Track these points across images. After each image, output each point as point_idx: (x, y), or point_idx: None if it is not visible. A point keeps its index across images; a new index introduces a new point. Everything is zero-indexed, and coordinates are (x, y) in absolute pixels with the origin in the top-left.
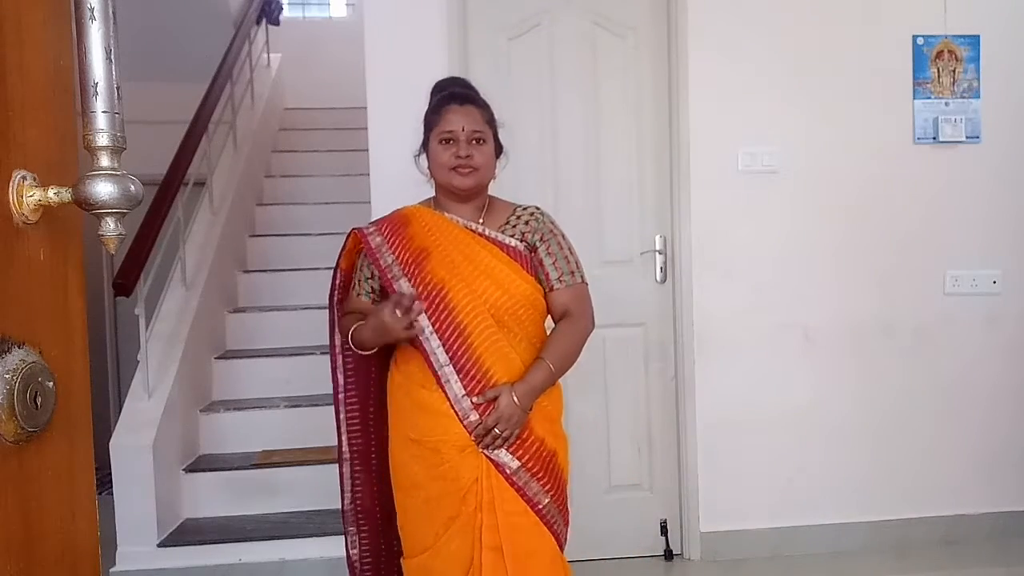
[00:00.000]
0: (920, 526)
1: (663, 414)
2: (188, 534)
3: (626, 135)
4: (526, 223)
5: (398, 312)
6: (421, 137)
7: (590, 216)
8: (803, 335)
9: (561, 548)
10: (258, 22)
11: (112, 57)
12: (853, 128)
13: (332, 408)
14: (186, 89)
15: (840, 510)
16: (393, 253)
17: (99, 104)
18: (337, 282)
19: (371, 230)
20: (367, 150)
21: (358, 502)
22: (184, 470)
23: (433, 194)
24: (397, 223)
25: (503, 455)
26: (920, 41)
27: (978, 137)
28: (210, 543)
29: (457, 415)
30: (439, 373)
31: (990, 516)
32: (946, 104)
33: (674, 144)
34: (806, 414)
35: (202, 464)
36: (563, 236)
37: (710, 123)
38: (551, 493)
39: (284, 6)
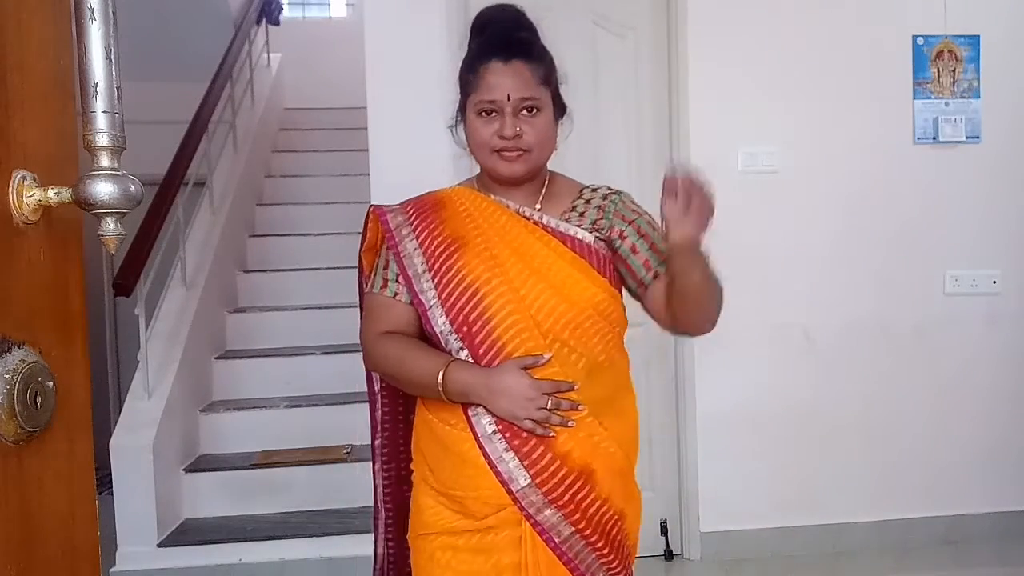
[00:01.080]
0: (920, 526)
1: (663, 414)
2: (188, 534)
3: (626, 135)
4: (598, 208)
5: (542, 399)
6: (424, 134)
7: None
8: (803, 335)
9: None
10: (258, 22)
11: (112, 57)
12: (853, 128)
13: (332, 408)
14: (186, 89)
15: (840, 510)
16: (416, 239)
17: (99, 104)
18: (365, 287)
19: (393, 207)
20: (367, 150)
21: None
22: (184, 470)
23: (476, 173)
24: (427, 205)
25: (550, 515)
26: (920, 41)
27: (978, 137)
28: (210, 543)
29: (490, 463)
30: (467, 406)
31: (990, 516)
32: (946, 104)
33: (674, 144)
34: (806, 414)
35: (202, 464)
36: (651, 217)
37: (710, 123)
38: (611, 566)
39: (284, 6)
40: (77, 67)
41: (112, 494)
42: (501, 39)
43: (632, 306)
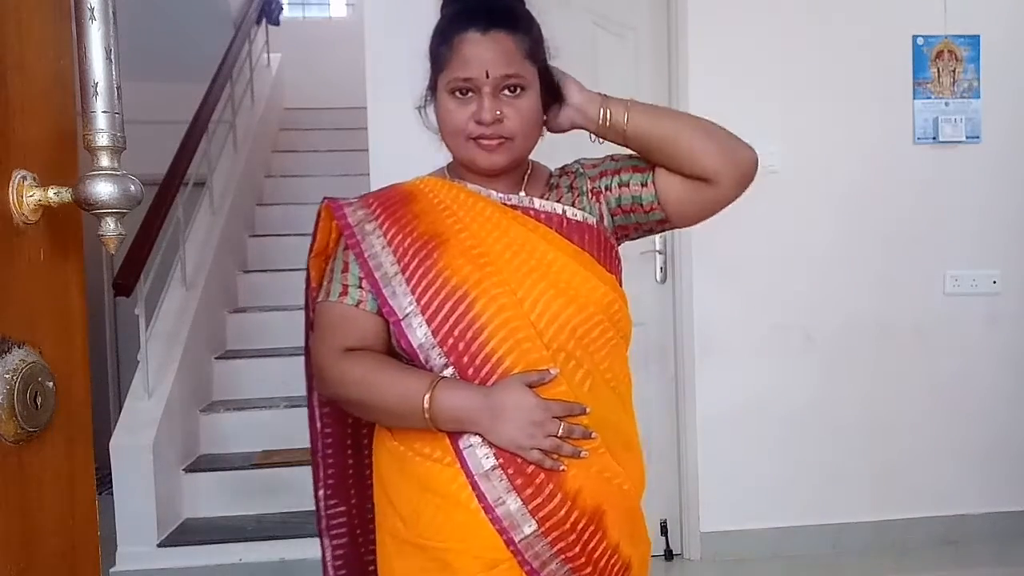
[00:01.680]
0: (920, 526)
1: (663, 414)
2: (188, 534)
3: None
4: (569, 188)
5: (553, 422)
6: (424, 135)
7: None
8: (803, 335)
9: None
10: (258, 22)
11: (112, 57)
12: (853, 128)
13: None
14: (186, 89)
15: (840, 510)
16: (384, 236)
17: (99, 104)
18: (312, 296)
19: (351, 201)
20: (367, 150)
21: None
22: (184, 470)
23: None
24: (393, 198)
25: (558, 571)
26: (920, 41)
27: (978, 137)
28: (210, 543)
29: (487, 507)
30: (456, 436)
31: (990, 516)
32: (946, 104)
33: None
34: (806, 414)
35: (202, 464)
36: (614, 156)
37: None
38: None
39: (284, 6)
40: (77, 67)
41: (112, 494)
42: (479, 5)
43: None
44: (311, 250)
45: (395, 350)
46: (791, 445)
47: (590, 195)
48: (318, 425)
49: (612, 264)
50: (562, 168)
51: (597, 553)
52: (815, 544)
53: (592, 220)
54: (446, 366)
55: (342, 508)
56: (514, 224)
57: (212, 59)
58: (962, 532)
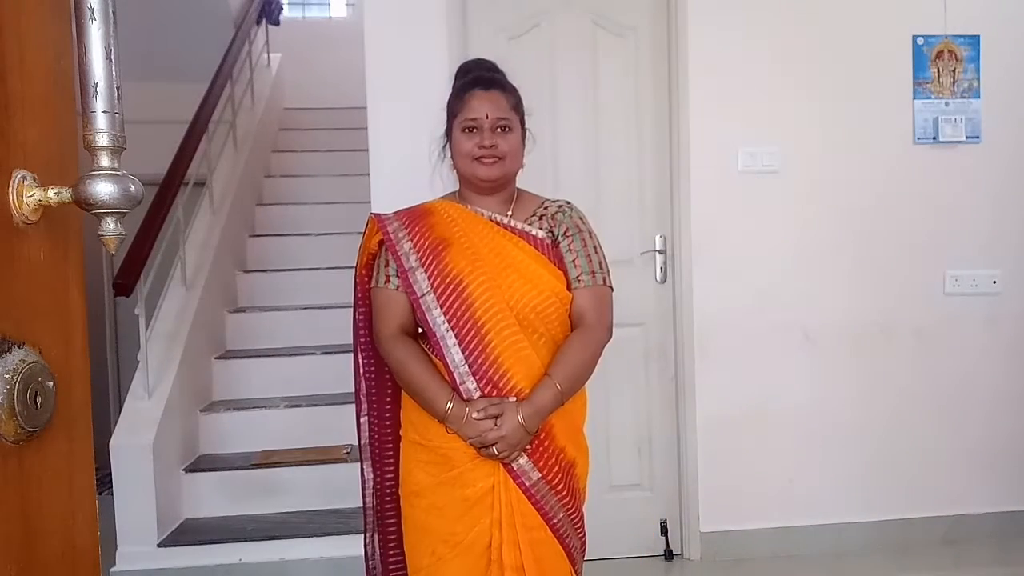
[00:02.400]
0: (920, 526)
1: (663, 414)
2: (188, 534)
3: (626, 135)
4: (553, 216)
5: (488, 420)
6: (424, 135)
7: (590, 216)
8: (803, 335)
9: (575, 569)
10: (258, 22)
11: (112, 57)
12: (853, 128)
13: (332, 408)
14: (186, 89)
15: (840, 510)
16: (411, 240)
17: (99, 104)
18: (359, 295)
19: (389, 216)
20: (367, 150)
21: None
22: (184, 470)
23: (455, 190)
24: (417, 213)
25: (524, 463)
26: (920, 41)
27: (978, 137)
28: (210, 543)
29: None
30: (454, 374)
31: (991, 516)
32: (946, 104)
33: (674, 144)
34: (806, 414)
35: (202, 464)
36: (590, 234)
37: (710, 123)
38: (567, 507)
39: (284, 6)
40: (77, 67)
41: (112, 494)
42: (482, 76)
43: (632, 307)
44: (361, 249)
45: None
46: (791, 445)
47: (561, 230)
48: (361, 371)
49: (561, 266)
50: (557, 204)
51: (548, 452)
52: (815, 544)
53: (549, 240)
54: (448, 330)
55: (375, 434)
56: (497, 235)
57: (212, 59)
58: (962, 532)
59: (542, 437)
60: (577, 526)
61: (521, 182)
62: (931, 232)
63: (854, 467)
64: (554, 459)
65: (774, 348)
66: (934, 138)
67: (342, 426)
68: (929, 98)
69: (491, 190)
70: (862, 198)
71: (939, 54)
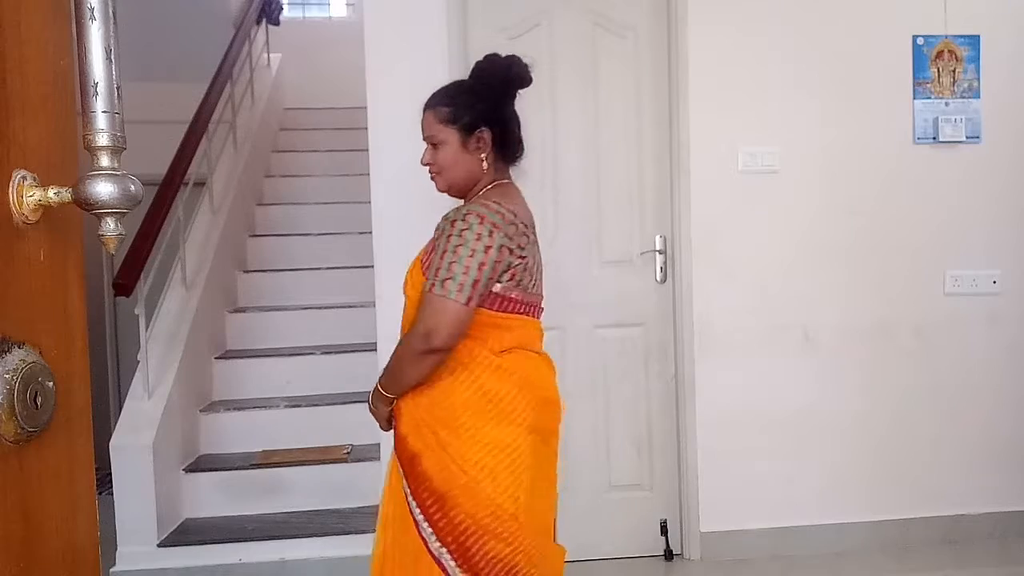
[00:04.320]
0: (921, 526)
1: (663, 414)
2: (188, 534)
3: (626, 135)
4: (439, 224)
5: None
6: (419, 137)
7: (590, 216)
8: (803, 335)
9: (429, 548)
10: (258, 22)
11: (112, 57)
12: (853, 128)
13: (332, 408)
14: (186, 89)
15: (840, 510)
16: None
17: (99, 104)
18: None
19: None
20: (367, 150)
21: None
22: (184, 470)
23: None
24: None
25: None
26: (920, 41)
27: (978, 137)
28: (210, 543)
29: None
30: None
31: (991, 516)
32: (946, 104)
33: (674, 144)
34: (806, 414)
35: (202, 464)
36: (457, 236)
37: (710, 123)
38: (414, 495)
39: (284, 6)
40: (77, 67)
41: (112, 494)
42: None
43: (632, 307)
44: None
45: None
46: (791, 445)
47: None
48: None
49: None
50: (458, 209)
51: (396, 433)
52: (815, 544)
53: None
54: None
55: None
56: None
57: (212, 59)
58: (963, 532)
59: (395, 420)
60: (432, 512)
61: (521, 183)
62: (931, 232)
63: (854, 467)
64: (399, 443)
65: (774, 348)
66: (934, 138)
67: (342, 426)
68: (929, 98)
69: (459, 196)
70: (862, 198)
71: (939, 54)
